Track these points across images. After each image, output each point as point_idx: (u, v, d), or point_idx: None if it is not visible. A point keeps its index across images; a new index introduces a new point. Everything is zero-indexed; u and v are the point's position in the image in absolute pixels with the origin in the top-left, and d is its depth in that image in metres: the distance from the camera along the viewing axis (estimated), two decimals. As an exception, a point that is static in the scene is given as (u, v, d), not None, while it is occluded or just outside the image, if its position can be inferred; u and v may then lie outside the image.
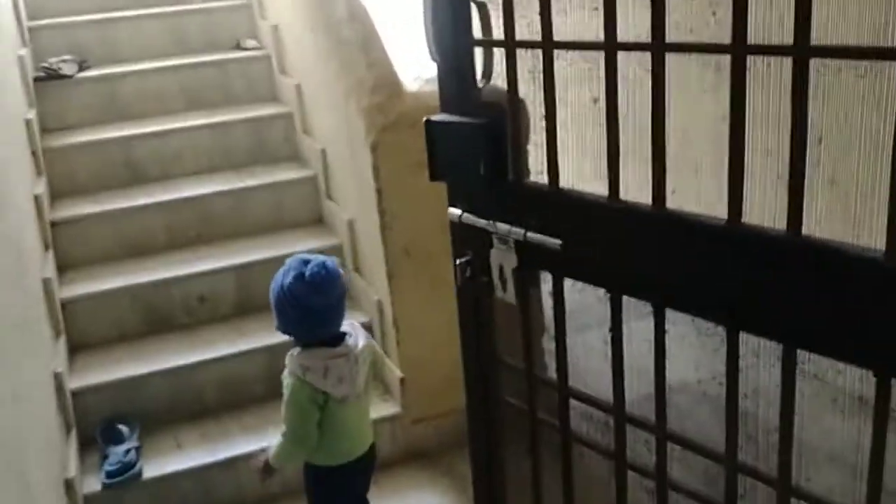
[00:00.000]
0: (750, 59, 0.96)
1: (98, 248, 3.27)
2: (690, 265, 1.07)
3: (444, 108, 1.36)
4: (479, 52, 1.32)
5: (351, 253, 3.24)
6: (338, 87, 3.06)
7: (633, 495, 1.26)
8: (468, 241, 1.38)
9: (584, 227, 1.20)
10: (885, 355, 0.90)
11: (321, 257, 2.15)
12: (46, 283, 2.85)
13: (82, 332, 3.04)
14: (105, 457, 2.69)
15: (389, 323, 2.94)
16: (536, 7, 1.16)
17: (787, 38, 0.91)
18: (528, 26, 1.21)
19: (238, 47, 4.08)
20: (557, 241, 1.19)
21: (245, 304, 3.20)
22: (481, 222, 1.32)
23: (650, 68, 1.04)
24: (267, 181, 3.52)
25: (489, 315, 1.41)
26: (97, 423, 2.80)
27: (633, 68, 1.08)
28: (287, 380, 2.14)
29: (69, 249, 3.21)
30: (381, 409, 2.93)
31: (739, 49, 0.96)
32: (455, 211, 1.37)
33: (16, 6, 3.67)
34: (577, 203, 1.20)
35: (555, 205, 1.23)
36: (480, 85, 1.32)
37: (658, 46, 1.03)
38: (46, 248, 3.10)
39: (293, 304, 2.10)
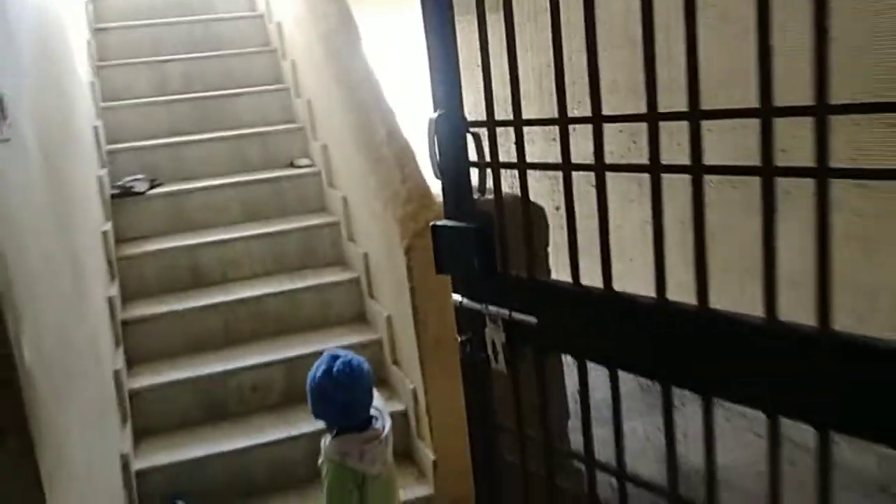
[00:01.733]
0: (666, 176, 1.27)
1: (162, 344, 3.63)
2: (633, 334, 1.35)
3: (447, 214, 1.69)
4: (474, 171, 1.65)
5: (389, 346, 3.55)
6: (378, 198, 3.44)
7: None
8: (468, 322, 1.68)
9: (555, 308, 1.49)
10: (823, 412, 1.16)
11: (349, 355, 2.42)
12: (117, 374, 3.20)
13: (147, 418, 3.36)
14: (165, 532, 2.96)
15: (423, 409, 3.20)
16: (514, 139, 1.49)
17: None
18: (506, 153, 1.54)
19: (292, 165, 4.54)
20: (534, 319, 1.48)
21: (292, 393, 3.50)
22: (477, 306, 1.62)
23: (594, 183, 1.35)
24: (315, 283, 3.88)
25: (489, 383, 1.69)
26: (159, 501, 3.08)
27: (583, 184, 1.39)
28: (326, 465, 2.38)
29: (137, 345, 3.58)
30: (416, 490, 3.17)
31: (655, 168, 1.27)
32: (457, 297, 1.68)
33: (97, 134, 4.19)
34: (549, 288, 1.50)
35: (531, 290, 1.53)
36: (476, 196, 1.65)
37: (599, 167, 1.35)
38: (117, 344, 3.47)
39: (322, 396, 2.36)
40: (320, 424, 2.46)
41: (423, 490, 3.18)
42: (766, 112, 1.09)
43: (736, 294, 1.18)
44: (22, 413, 1.68)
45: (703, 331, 1.23)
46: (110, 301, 3.44)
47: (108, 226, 3.85)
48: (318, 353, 3.30)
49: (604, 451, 1.46)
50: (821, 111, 1.03)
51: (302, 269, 4.07)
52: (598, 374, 1.43)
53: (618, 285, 1.37)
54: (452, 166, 1.66)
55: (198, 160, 4.48)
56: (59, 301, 2.36)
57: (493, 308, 1.59)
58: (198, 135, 4.57)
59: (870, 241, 1.16)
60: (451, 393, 3.23)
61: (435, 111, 1.66)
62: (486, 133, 1.58)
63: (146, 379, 3.44)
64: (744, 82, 1.10)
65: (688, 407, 1.26)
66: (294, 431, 3.30)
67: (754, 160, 1.12)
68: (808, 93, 1.02)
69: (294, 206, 4.36)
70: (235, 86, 4.92)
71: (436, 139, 1.66)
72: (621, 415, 1.39)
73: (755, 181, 1.12)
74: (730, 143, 1.21)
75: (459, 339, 1.70)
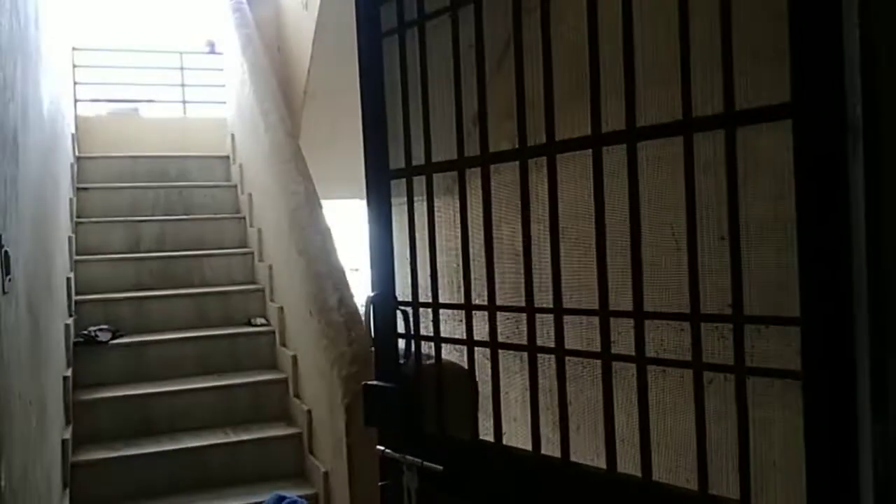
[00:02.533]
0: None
1: (107, 489, 3.82)
2: (515, 480, 1.71)
3: (377, 376, 2.06)
4: (402, 342, 2.05)
5: (324, 502, 3.78)
6: (325, 358, 3.80)
7: None
8: (388, 470, 2.01)
9: (458, 459, 1.84)
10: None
11: (293, 497, 2.74)
12: (61, 514, 3.39)
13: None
14: None
15: (354, 563, 3.42)
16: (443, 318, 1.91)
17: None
18: (426, 329, 1.95)
19: (249, 323, 4.90)
20: (439, 467, 1.83)
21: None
22: (396, 455, 1.97)
23: (489, 358, 1.75)
24: (259, 436, 4.14)
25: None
26: None
27: (480, 357, 1.79)
28: None
29: (84, 489, 3.76)
30: None
31: (532, 349, 1.68)
32: (380, 448, 2.02)
33: (69, 285, 4.54)
34: (454, 443, 1.86)
35: (441, 444, 1.88)
36: (402, 362, 2.03)
37: (493, 344, 1.75)
38: (65, 486, 3.66)
39: None
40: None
41: None
42: (605, 314, 1.52)
43: (589, 446, 1.55)
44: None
45: (565, 478, 1.60)
46: (63, 443, 3.67)
47: (69, 371, 4.12)
48: (258, 506, 3.56)
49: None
50: (638, 316, 1.45)
51: (248, 422, 4.34)
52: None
53: (506, 440, 1.74)
54: (383, 336, 2.05)
55: (160, 314, 4.84)
56: (26, 439, 2.63)
57: (408, 457, 1.93)
58: (163, 290, 4.95)
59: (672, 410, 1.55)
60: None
61: (372, 290, 2.07)
62: (411, 311, 1.99)
63: (88, 523, 3.62)
64: (590, 287, 1.53)
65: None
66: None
67: (596, 348, 1.53)
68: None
69: (247, 362, 4.68)
70: (204, 247, 5.36)
71: (372, 313, 2.06)
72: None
73: (597, 362, 1.53)
74: (580, 334, 1.63)
75: (380, 484, 2.02)
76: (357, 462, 3.42)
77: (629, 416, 1.47)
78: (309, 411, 4.12)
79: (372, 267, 2.10)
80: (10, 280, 2.41)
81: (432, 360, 2.00)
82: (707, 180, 1.38)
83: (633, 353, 1.46)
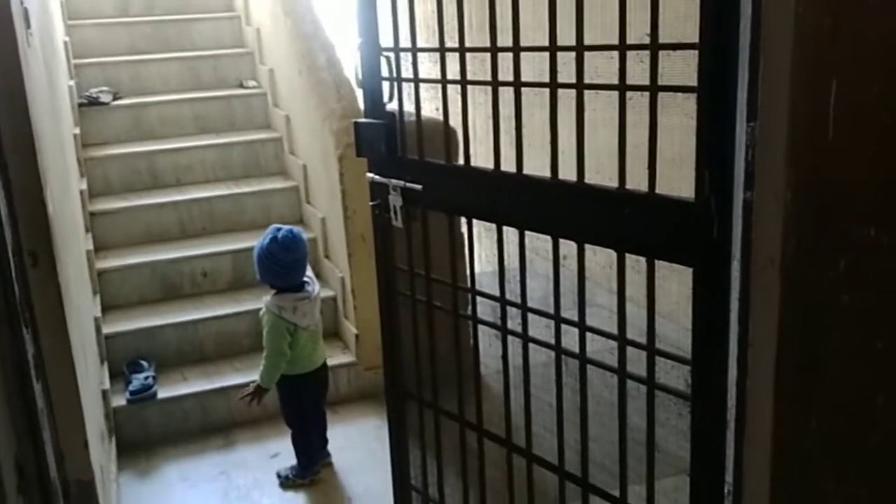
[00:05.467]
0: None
1: (125, 234, 4.33)
2: (486, 195, 2.13)
3: (366, 114, 2.43)
4: (386, 84, 2.39)
5: (322, 243, 4.30)
6: (316, 115, 4.16)
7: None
8: (378, 192, 2.44)
9: (435, 179, 2.25)
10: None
11: (289, 226, 3.20)
12: (88, 254, 3.89)
13: (112, 295, 4.07)
14: (129, 382, 3.70)
15: (349, 293, 3.99)
16: (420, 61, 2.24)
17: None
18: (406, 72, 2.29)
19: (241, 86, 5.20)
20: (419, 186, 2.26)
21: (238, 280, 4.25)
22: (383, 180, 2.38)
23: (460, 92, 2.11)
24: (259, 188, 4.59)
25: (391, 237, 2.47)
26: (124, 360, 3.81)
27: (451, 93, 2.15)
28: (266, 316, 3.17)
29: (103, 234, 4.26)
30: (341, 358, 3.97)
31: (494, 83, 2.03)
32: (370, 174, 2.44)
33: (66, 48, 4.78)
34: (431, 166, 2.27)
35: (420, 168, 2.29)
36: (386, 101, 2.39)
37: (462, 82, 2.11)
38: (87, 230, 4.15)
39: (269, 259, 3.14)
40: (264, 301, 3.21)
41: (347, 358, 3.98)
42: (553, 49, 1.86)
43: (538, 162, 1.96)
44: (49, 243, 2.38)
45: (519, 187, 2.02)
46: (81, 193, 4.10)
47: (77, 130, 4.48)
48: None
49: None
50: (579, 49, 1.80)
51: (247, 177, 4.78)
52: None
53: (472, 162, 2.15)
54: (370, 80, 2.40)
55: (155, 77, 5.12)
56: (57, 174, 3.04)
57: (394, 181, 2.35)
58: (156, 53, 5.19)
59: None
60: (372, 280, 3.97)
61: (359, 38, 2.39)
62: (393, 56, 2.32)
63: (111, 261, 4.16)
64: (542, 27, 1.86)
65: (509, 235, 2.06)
66: (239, 308, 4.06)
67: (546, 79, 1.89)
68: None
69: (242, 122, 5.05)
70: (191, 11, 5.53)
71: (360, 58, 2.40)
72: (474, 246, 2.18)
73: (546, 91, 1.90)
74: (534, 68, 1.97)
75: (371, 204, 2.46)
76: (350, 206, 3.88)
77: (570, 132, 1.86)
78: (304, 165, 4.54)
79: (358, 17, 2.40)
80: (31, 34, 2.70)
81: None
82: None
83: (575, 81, 1.82)
